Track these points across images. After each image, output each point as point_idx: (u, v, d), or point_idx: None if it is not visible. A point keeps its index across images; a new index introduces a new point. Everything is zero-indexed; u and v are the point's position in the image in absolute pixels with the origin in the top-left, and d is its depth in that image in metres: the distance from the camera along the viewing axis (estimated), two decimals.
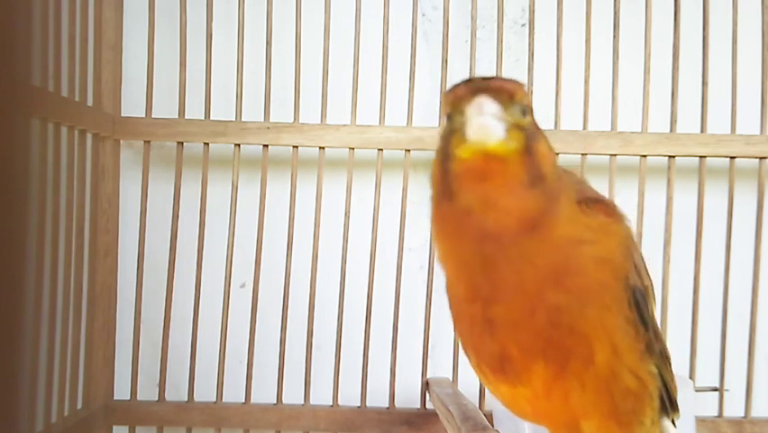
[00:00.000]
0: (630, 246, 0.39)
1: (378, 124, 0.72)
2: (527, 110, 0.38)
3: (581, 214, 0.38)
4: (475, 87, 0.36)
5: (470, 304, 0.38)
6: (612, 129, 0.72)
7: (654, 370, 0.40)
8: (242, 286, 0.74)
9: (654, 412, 0.40)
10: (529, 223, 0.36)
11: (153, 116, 0.71)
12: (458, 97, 0.36)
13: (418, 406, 0.72)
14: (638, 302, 0.39)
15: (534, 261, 0.37)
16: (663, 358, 0.41)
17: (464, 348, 0.41)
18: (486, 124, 0.35)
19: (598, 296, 0.38)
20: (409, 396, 0.73)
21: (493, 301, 0.37)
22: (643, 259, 0.41)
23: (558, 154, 0.72)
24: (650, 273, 0.42)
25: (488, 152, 0.35)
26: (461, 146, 0.35)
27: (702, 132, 0.72)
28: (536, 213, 0.36)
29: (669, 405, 0.42)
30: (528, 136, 0.36)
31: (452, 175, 0.36)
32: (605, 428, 0.39)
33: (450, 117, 0.37)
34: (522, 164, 0.36)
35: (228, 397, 0.71)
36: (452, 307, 0.41)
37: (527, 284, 0.37)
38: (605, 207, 0.39)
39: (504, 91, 0.37)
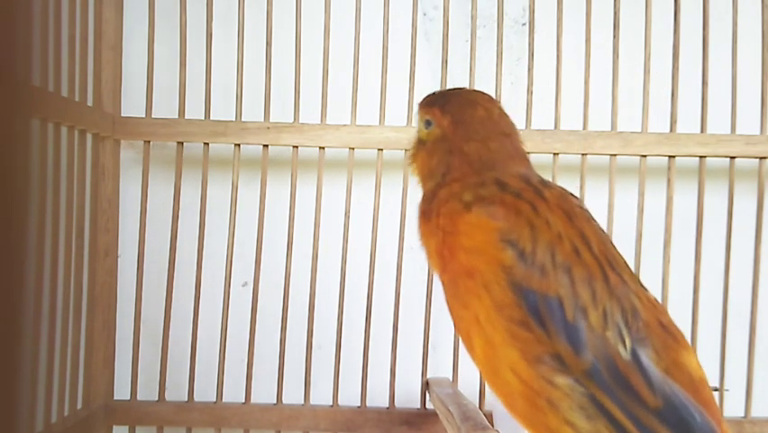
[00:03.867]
0: (521, 245, 0.40)
1: (378, 124, 0.72)
2: (431, 123, 0.48)
3: (464, 211, 0.43)
4: None
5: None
6: (612, 129, 0.72)
7: (563, 382, 0.38)
8: (244, 285, 0.74)
9: (574, 429, 0.38)
10: (422, 215, 0.47)
11: (153, 116, 0.71)
12: None
13: (418, 406, 0.72)
14: (536, 307, 0.38)
15: (429, 243, 0.46)
16: (615, 388, 0.38)
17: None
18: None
19: (466, 281, 0.41)
20: (409, 396, 0.73)
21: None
22: (571, 271, 0.39)
23: (557, 154, 0.72)
24: (598, 296, 0.39)
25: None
26: None
27: (702, 132, 0.72)
28: (423, 209, 0.47)
29: None
30: (419, 147, 0.49)
31: None
32: (516, 415, 0.41)
33: None
34: (416, 172, 0.50)
35: (228, 397, 0.71)
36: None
37: (436, 260, 0.45)
38: (491, 208, 0.42)
39: (420, 108, 0.50)
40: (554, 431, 0.39)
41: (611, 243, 0.43)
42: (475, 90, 0.51)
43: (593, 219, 0.44)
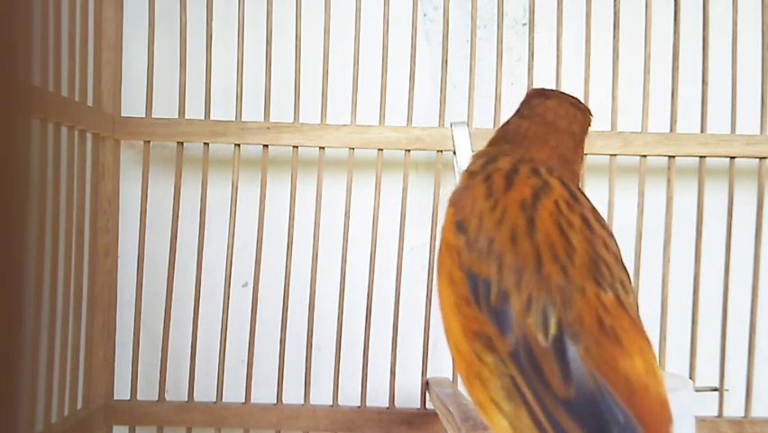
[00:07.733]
0: (469, 234, 0.42)
1: (378, 124, 0.72)
2: None
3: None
4: None
5: None
6: (612, 129, 0.72)
7: (491, 361, 0.39)
8: (245, 285, 0.74)
9: (498, 408, 0.39)
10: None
11: (153, 116, 0.71)
12: None
13: (418, 406, 0.72)
14: (475, 286, 0.40)
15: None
16: (530, 373, 0.37)
17: None
18: None
19: (439, 255, 0.44)
20: (409, 396, 0.73)
21: None
22: (502, 258, 0.40)
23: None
24: (523, 283, 0.39)
25: None
26: None
27: (702, 132, 0.72)
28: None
29: None
30: None
31: None
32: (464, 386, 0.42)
33: None
34: None
35: (228, 397, 0.71)
36: None
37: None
38: (456, 195, 0.45)
39: None
40: (484, 407, 0.40)
41: (596, 240, 0.41)
42: (576, 98, 0.52)
43: (584, 216, 0.43)
